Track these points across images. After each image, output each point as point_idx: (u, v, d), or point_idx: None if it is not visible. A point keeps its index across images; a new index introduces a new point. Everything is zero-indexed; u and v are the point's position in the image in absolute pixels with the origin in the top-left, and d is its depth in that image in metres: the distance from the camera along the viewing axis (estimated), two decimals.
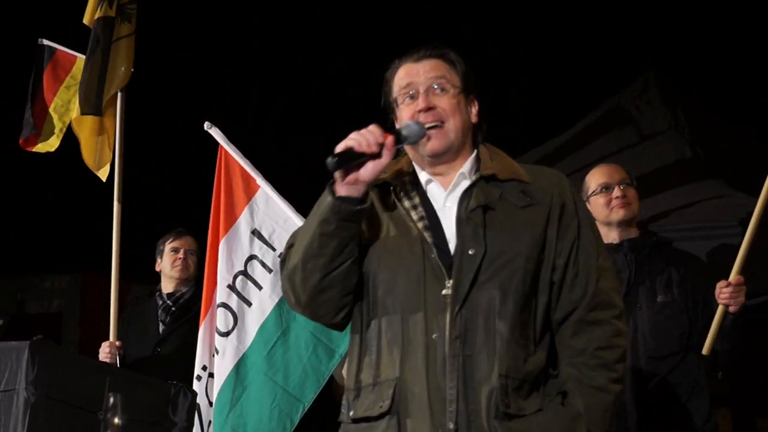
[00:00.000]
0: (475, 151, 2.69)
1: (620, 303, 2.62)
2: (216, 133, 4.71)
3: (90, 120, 5.11)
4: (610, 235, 4.23)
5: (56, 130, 5.42)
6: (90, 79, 5.09)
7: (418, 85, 2.65)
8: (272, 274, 4.48)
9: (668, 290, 4.10)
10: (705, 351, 4.01)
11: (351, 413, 2.59)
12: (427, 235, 2.55)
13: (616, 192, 4.21)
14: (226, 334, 4.49)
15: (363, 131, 2.52)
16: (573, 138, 6.78)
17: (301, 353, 4.38)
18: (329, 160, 2.46)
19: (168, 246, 5.16)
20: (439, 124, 2.62)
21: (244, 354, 4.45)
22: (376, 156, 2.50)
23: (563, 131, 7.00)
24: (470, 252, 2.51)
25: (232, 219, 4.60)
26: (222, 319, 4.50)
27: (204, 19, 10.77)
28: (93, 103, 5.08)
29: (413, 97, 2.65)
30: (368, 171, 2.51)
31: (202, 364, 4.53)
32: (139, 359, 4.95)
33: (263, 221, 4.56)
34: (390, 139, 2.52)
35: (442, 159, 2.64)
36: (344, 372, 4.33)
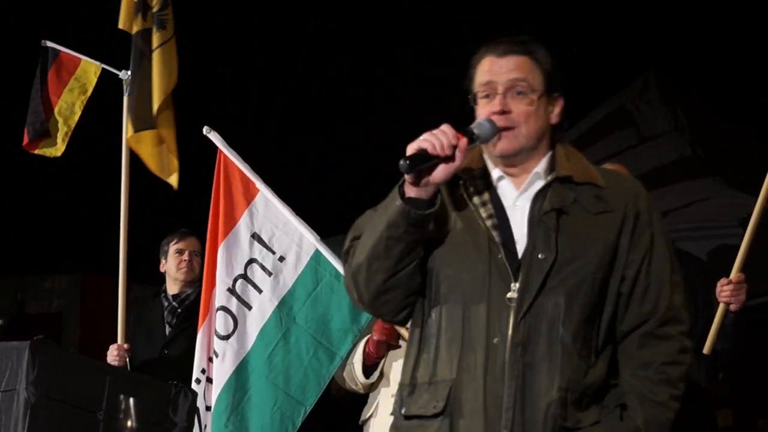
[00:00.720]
0: (551, 151, 2.59)
1: (689, 320, 2.57)
2: (215, 137, 4.70)
3: (148, 134, 5.08)
4: None
5: (61, 134, 5.39)
6: (141, 94, 5.04)
7: (497, 84, 2.53)
8: (272, 277, 4.47)
9: None
10: (706, 350, 4.01)
11: (404, 410, 2.54)
12: (495, 233, 2.47)
13: None
14: (226, 338, 4.47)
15: (436, 132, 2.42)
16: (574, 139, 6.78)
17: (302, 356, 4.37)
18: (401, 162, 2.38)
19: (172, 247, 5.15)
20: (510, 128, 2.52)
21: (244, 358, 4.44)
22: (449, 158, 2.42)
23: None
24: (540, 256, 2.44)
25: (231, 223, 4.59)
26: (222, 323, 4.48)
27: (203, 21, 10.76)
28: (146, 119, 5.05)
29: (490, 96, 2.54)
30: (440, 173, 2.42)
31: (201, 367, 4.52)
32: (146, 361, 4.94)
33: (263, 225, 4.55)
34: (464, 142, 2.43)
35: (511, 160, 2.55)
36: (345, 374, 4.33)
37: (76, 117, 5.28)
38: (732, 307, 3.97)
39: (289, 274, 4.46)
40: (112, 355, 4.81)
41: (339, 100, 10.12)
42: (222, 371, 4.43)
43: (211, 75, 10.84)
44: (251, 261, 4.52)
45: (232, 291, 4.51)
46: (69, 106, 5.37)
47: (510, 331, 2.42)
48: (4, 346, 3.64)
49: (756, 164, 6.12)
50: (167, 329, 5.05)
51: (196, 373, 4.51)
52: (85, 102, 5.40)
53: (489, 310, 2.44)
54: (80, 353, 7.75)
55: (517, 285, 2.43)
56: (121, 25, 5.15)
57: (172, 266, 5.12)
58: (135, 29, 5.09)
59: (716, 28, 9.87)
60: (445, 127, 2.43)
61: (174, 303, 5.09)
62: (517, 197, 2.54)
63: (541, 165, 2.55)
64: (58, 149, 5.39)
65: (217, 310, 4.51)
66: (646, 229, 2.54)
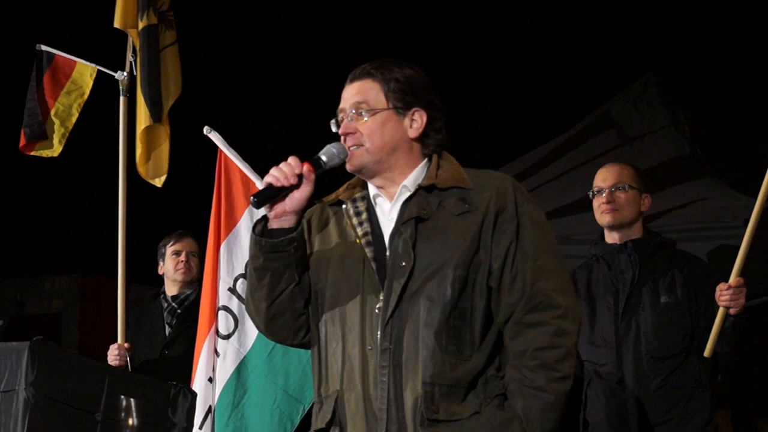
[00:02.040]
0: (424, 162, 2.73)
1: (566, 303, 2.60)
2: (215, 137, 4.70)
3: (151, 129, 5.10)
4: (612, 236, 4.23)
5: (58, 136, 5.40)
6: (151, 87, 5.08)
7: (345, 110, 2.73)
8: None
9: (671, 291, 4.10)
10: (706, 353, 4.01)
11: (313, 426, 2.70)
12: (368, 250, 2.63)
13: (604, 197, 4.20)
14: (227, 337, 4.49)
15: (281, 165, 2.62)
16: (574, 137, 6.78)
17: (301, 355, 4.38)
18: (252, 199, 2.62)
19: (169, 249, 5.15)
20: (358, 146, 2.68)
21: (245, 357, 4.45)
22: (296, 186, 2.61)
23: (563, 132, 7.00)
24: (401, 264, 2.58)
25: (232, 222, 4.60)
26: (223, 322, 4.50)
27: (203, 22, 10.77)
28: (155, 111, 5.08)
29: (342, 121, 2.73)
30: (294, 201, 2.63)
31: (212, 366, 4.52)
32: (147, 362, 4.94)
33: None
34: (307, 168, 2.62)
35: (367, 175, 2.72)
36: None
37: (74, 119, 5.29)
38: (732, 311, 3.97)
39: None
40: (113, 355, 4.81)
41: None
42: (223, 370, 4.45)
43: (212, 75, 10.85)
44: None
45: (233, 290, 4.53)
46: (66, 108, 5.38)
47: (379, 338, 2.57)
48: (3, 347, 3.64)
49: (756, 165, 6.13)
50: (167, 330, 5.05)
51: (207, 373, 4.50)
52: (82, 104, 5.41)
53: (362, 321, 2.60)
54: (80, 354, 7.74)
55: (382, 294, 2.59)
56: (117, 24, 5.16)
57: (170, 268, 5.12)
58: (141, 25, 5.10)
59: (716, 29, 9.87)
60: (290, 159, 2.64)
61: (173, 304, 5.09)
62: (390, 210, 2.70)
63: (410, 178, 2.71)
64: (55, 150, 5.40)
65: (219, 309, 4.52)
66: (511, 220, 2.63)
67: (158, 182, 5.18)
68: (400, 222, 2.63)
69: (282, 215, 2.64)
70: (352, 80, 2.75)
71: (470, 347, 2.57)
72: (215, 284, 4.55)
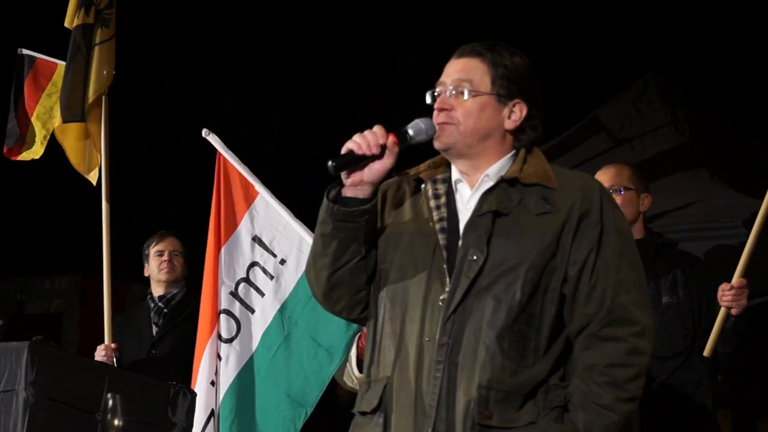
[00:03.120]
0: (511, 154, 2.62)
1: (644, 320, 2.50)
2: (214, 139, 4.70)
3: (74, 127, 5.10)
4: None
5: (40, 138, 5.41)
6: (72, 86, 5.05)
7: (446, 83, 2.62)
8: (273, 280, 4.47)
9: (673, 292, 4.10)
10: (706, 353, 4.02)
11: (357, 406, 2.62)
12: (441, 236, 2.53)
13: None
14: (230, 341, 4.47)
15: (365, 132, 2.51)
16: (574, 137, 6.78)
17: (303, 359, 4.36)
18: (329, 163, 2.48)
19: (152, 250, 5.15)
20: (450, 124, 2.58)
21: (247, 361, 4.44)
22: (378, 157, 2.50)
23: (562, 132, 7.00)
24: (473, 258, 2.48)
25: (232, 226, 4.59)
26: (225, 326, 4.48)
27: (203, 24, 10.76)
28: (76, 111, 5.06)
29: (439, 95, 2.62)
30: (372, 172, 2.52)
31: (215, 370, 4.50)
32: (134, 362, 4.94)
33: (263, 228, 4.54)
34: (391, 140, 2.51)
35: (453, 156, 2.61)
36: (345, 377, 4.32)
37: (55, 121, 5.30)
38: (733, 311, 3.98)
39: (291, 277, 4.46)
40: (99, 355, 4.82)
41: (339, 102, 10.11)
42: (226, 374, 4.44)
43: (210, 77, 10.84)
44: (253, 264, 4.52)
45: (234, 294, 4.51)
46: (47, 110, 5.39)
47: (438, 331, 2.47)
48: (3, 347, 3.63)
49: (756, 165, 6.13)
50: (154, 330, 5.05)
51: (210, 376, 4.48)
52: None
53: (424, 310, 2.50)
54: (79, 353, 7.73)
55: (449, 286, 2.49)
56: (66, 24, 5.16)
57: (154, 268, 5.13)
58: (75, 23, 5.09)
59: (716, 28, 9.87)
60: (376, 128, 2.53)
61: (160, 304, 5.09)
62: (469, 199, 2.59)
63: (494, 168, 2.59)
64: (36, 152, 5.41)
65: (220, 313, 4.51)
66: (594, 227, 2.52)
67: (92, 178, 5.13)
68: (478, 214, 2.53)
69: (358, 184, 2.52)
70: (460, 56, 2.63)
71: (534, 354, 2.47)
72: (216, 288, 4.54)
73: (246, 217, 4.58)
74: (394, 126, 2.59)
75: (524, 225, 2.50)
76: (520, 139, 2.62)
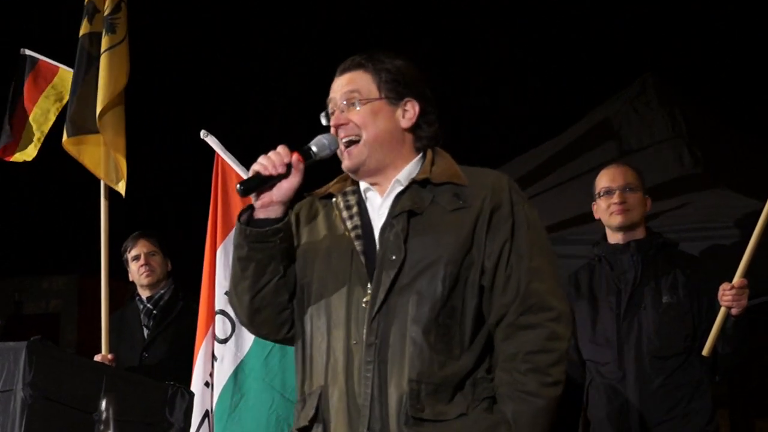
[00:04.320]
0: (418, 157, 2.67)
1: (559, 305, 2.54)
2: (212, 140, 4.70)
3: (93, 139, 5.01)
4: (616, 236, 4.25)
5: (34, 139, 5.39)
6: (82, 100, 4.93)
7: (335, 100, 2.67)
8: None
9: (673, 291, 4.10)
10: (705, 352, 4.01)
11: (294, 426, 2.63)
12: (357, 243, 2.57)
13: (615, 198, 4.21)
14: (225, 341, 4.48)
15: (270, 153, 2.56)
16: (575, 138, 6.77)
17: None
18: (237, 186, 2.55)
19: (129, 255, 5.11)
20: (355, 138, 2.62)
21: (242, 360, 4.44)
22: (284, 176, 2.55)
23: (561, 132, 6.99)
24: (392, 258, 2.52)
25: (229, 226, 4.58)
26: (220, 326, 4.48)
27: (202, 25, 10.77)
28: (87, 124, 4.96)
29: (333, 113, 2.67)
30: (281, 191, 2.57)
31: (209, 371, 4.51)
32: (128, 368, 4.92)
33: None
34: (296, 158, 2.57)
35: (361, 174, 2.66)
36: None
37: (50, 123, 5.27)
38: (733, 311, 3.98)
39: None
40: None
41: None
42: (221, 374, 4.44)
43: (209, 79, 10.84)
44: None
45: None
46: (44, 112, 5.36)
47: (365, 332, 2.49)
48: (1, 347, 3.63)
49: (755, 165, 6.13)
50: (145, 332, 5.02)
51: (204, 377, 4.49)
52: (60, 109, 5.39)
53: (348, 314, 2.53)
54: (77, 353, 7.73)
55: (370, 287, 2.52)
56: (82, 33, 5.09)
57: (135, 273, 5.10)
58: (83, 32, 5.03)
59: (714, 28, 9.87)
60: (279, 148, 2.57)
61: (149, 305, 5.06)
62: (381, 204, 2.63)
63: (403, 172, 2.64)
64: (29, 154, 5.38)
65: (216, 313, 4.51)
66: (506, 220, 2.57)
67: (120, 188, 5.00)
68: (392, 215, 2.57)
69: (269, 205, 2.58)
70: (343, 71, 2.70)
71: (459, 347, 2.50)
72: (212, 288, 4.54)
73: None
74: (299, 144, 2.63)
75: (439, 222, 2.55)
76: (421, 137, 2.67)
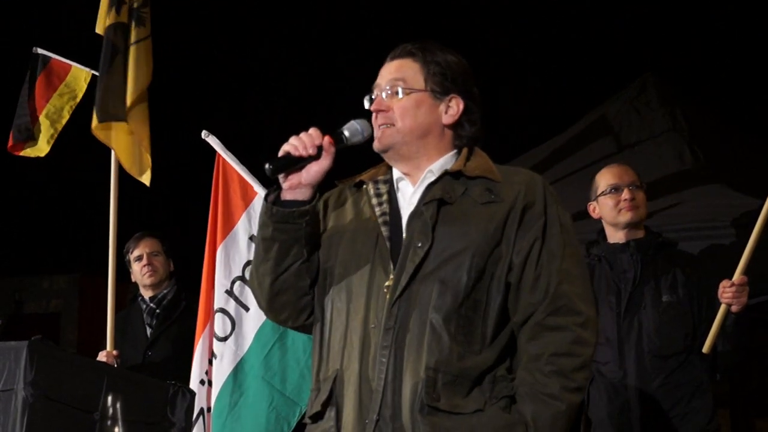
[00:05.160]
0: (454, 152, 2.65)
1: (587, 311, 2.50)
2: (213, 141, 4.71)
3: (122, 127, 5.03)
4: (617, 236, 4.24)
5: (46, 137, 5.39)
6: (110, 89, 4.96)
7: (380, 86, 2.64)
8: None
9: (673, 291, 4.10)
10: (705, 349, 4.01)
11: (308, 412, 2.59)
12: (384, 228, 2.53)
13: (625, 194, 4.20)
14: (224, 339, 4.49)
15: (301, 134, 2.53)
16: (574, 137, 6.78)
17: (299, 356, 4.38)
18: (266, 166, 2.49)
19: (132, 256, 5.11)
20: (388, 125, 2.60)
21: (241, 358, 4.45)
22: (314, 158, 2.52)
23: (561, 131, 7.00)
24: (418, 244, 2.48)
25: (230, 225, 4.60)
26: (220, 325, 4.49)
27: (202, 25, 10.77)
28: (117, 111, 4.98)
29: (376, 98, 2.64)
30: (310, 174, 2.53)
31: (205, 369, 4.52)
32: (131, 367, 4.92)
33: None
34: (327, 141, 2.53)
35: (393, 158, 2.63)
36: None
37: (64, 121, 5.28)
38: (733, 308, 3.98)
39: None
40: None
41: (338, 103, 10.12)
42: (220, 372, 4.45)
43: (210, 79, 10.85)
44: (249, 263, 4.52)
45: (230, 293, 4.52)
46: (57, 110, 5.37)
47: (384, 317, 2.46)
48: (2, 346, 3.63)
49: (755, 165, 6.13)
50: (148, 332, 5.03)
51: (200, 375, 4.50)
52: (74, 107, 5.41)
53: (368, 298, 2.49)
54: (78, 353, 7.74)
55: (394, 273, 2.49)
56: (97, 29, 5.12)
57: (138, 274, 5.10)
58: (108, 22, 5.03)
59: (714, 28, 9.88)
60: (311, 130, 2.54)
61: (152, 305, 5.06)
62: (412, 195, 2.61)
63: (437, 164, 2.62)
64: (41, 150, 5.39)
65: (216, 312, 4.52)
66: (539, 218, 2.53)
67: (145, 179, 5.06)
68: (422, 203, 2.53)
69: (297, 187, 2.53)
70: (393, 58, 2.65)
71: (481, 341, 2.45)
72: (211, 286, 4.55)
73: (244, 216, 4.60)
74: (332, 128, 2.59)
75: (469, 213, 2.51)
76: (460, 134, 2.64)
